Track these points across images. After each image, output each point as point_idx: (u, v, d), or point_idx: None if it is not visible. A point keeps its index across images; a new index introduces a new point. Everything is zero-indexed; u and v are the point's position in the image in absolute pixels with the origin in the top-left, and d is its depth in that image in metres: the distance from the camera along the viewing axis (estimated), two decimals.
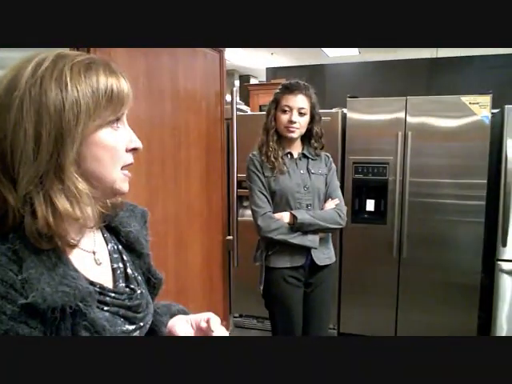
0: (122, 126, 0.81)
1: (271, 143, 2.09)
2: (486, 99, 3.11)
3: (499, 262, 3.17)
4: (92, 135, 0.75)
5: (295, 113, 2.06)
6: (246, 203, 3.17)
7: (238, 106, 2.57)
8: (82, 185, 0.74)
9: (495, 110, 3.22)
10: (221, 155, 2.33)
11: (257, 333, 3.66)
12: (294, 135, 2.09)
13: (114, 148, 0.78)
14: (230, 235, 2.40)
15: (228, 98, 2.46)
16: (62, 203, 0.71)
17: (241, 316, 3.78)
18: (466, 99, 3.14)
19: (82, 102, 0.72)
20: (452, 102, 3.20)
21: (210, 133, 2.23)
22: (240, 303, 3.58)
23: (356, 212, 3.39)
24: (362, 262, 3.46)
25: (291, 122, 2.06)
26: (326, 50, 6.26)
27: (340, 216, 2.12)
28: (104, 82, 0.75)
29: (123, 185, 0.82)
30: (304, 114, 2.09)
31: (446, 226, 3.29)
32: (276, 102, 2.12)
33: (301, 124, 2.09)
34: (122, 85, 0.78)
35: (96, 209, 0.80)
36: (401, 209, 3.34)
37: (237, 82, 7.26)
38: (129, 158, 0.82)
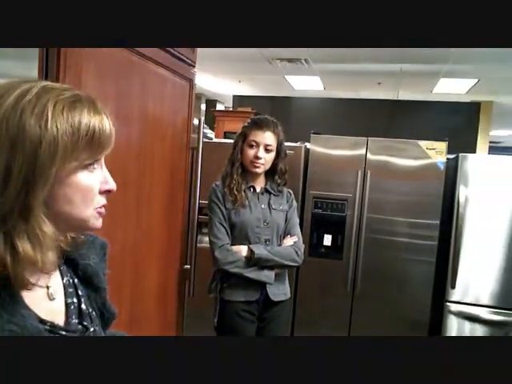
0: (99, 167, 0.78)
1: (235, 176, 2.11)
2: (442, 146, 3.25)
3: (448, 303, 3.26)
4: (66, 177, 0.72)
5: (262, 149, 2.09)
6: (204, 230, 3.16)
7: (203, 131, 2.58)
8: (47, 228, 0.71)
9: (451, 156, 3.37)
10: (184, 183, 2.32)
11: None
12: (259, 170, 2.12)
13: (88, 190, 0.76)
14: (187, 264, 2.38)
15: (195, 121, 2.47)
16: (24, 246, 0.68)
17: None
18: (423, 144, 3.28)
19: (60, 142, 0.69)
20: (410, 146, 3.33)
21: (174, 160, 2.22)
22: (191, 331, 3.51)
23: (314, 246, 3.44)
24: (316, 295, 3.50)
25: (257, 157, 2.09)
26: (292, 82, 6.41)
27: (297, 254, 2.14)
28: (86, 122, 0.72)
29: (96, 222, 0.80)
30: (270, 151, 2.12)
31: (399, 263, 3.38)
32: (244, 136, 2.14)
33: (266, 160, 2.12)
34: (105, 126, 0.76)
35: (58, 252, 0.77)
36: (357, 244, 3.41)
37: (203, 106, 7.30)
38: (101, 200, 0.79)
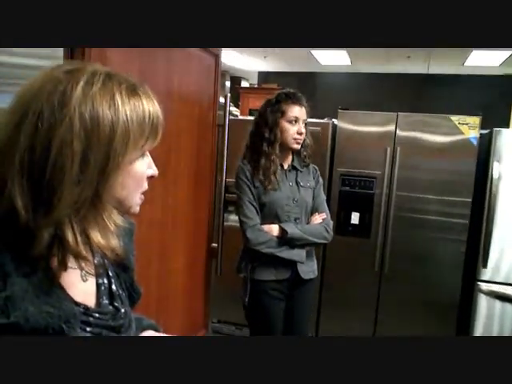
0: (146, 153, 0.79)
1: (273, 156, 2.04)
2: (476, 121, 3.14)
3: (479, 283, 3.19)
4: (128, 164, 0.73)
5: (302, 124, 2.07)
6: (231, 208, 3.15)
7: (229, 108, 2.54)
8: (115, 216, 0.73)
9: (484, 131, 3.25)
10: (211, 161, 2.30)
11: None
12: (299, 147, 2.10)
13: (142, 177, 0.77)
14: (214, 242, 2.37)
15: (221, 100, 2.43)
16: (95, 234, 0.70)
17: (219, 322, 3.75)
18: (455, 119, 3.17)
19: (130, 130, 0.70)
20: (442, 121, 3.23)
21: (201, 138, 2.20)
22: (219, 309, 3.55)
23: (341, 224, 3.39)
24: (343, 274, 3.46)
25: (300, 133, 2.06)
26: (318, 57, 6.28)
27: (327, 231, 2.11)
28: (149, 110, 0.73)
29: (137, 207, 0.81)
30: (306, 126, 2.10)
31: (428, 242, 3.31)
32: (281, 112, 2.07)
33: (304, 135, 2.10)
34: (158, 111, 0.76)
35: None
36: (385, 223, 3.35)
37: (228, 83, 7.23)
38: (146, 186, 0.80)
